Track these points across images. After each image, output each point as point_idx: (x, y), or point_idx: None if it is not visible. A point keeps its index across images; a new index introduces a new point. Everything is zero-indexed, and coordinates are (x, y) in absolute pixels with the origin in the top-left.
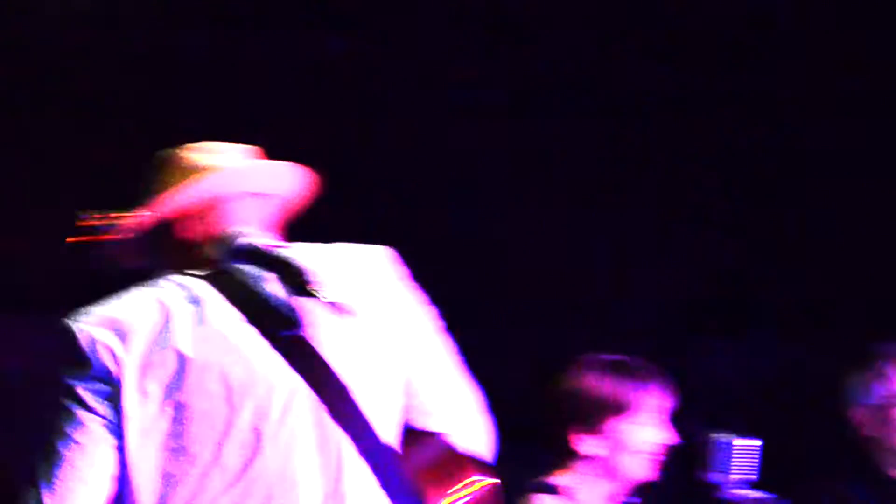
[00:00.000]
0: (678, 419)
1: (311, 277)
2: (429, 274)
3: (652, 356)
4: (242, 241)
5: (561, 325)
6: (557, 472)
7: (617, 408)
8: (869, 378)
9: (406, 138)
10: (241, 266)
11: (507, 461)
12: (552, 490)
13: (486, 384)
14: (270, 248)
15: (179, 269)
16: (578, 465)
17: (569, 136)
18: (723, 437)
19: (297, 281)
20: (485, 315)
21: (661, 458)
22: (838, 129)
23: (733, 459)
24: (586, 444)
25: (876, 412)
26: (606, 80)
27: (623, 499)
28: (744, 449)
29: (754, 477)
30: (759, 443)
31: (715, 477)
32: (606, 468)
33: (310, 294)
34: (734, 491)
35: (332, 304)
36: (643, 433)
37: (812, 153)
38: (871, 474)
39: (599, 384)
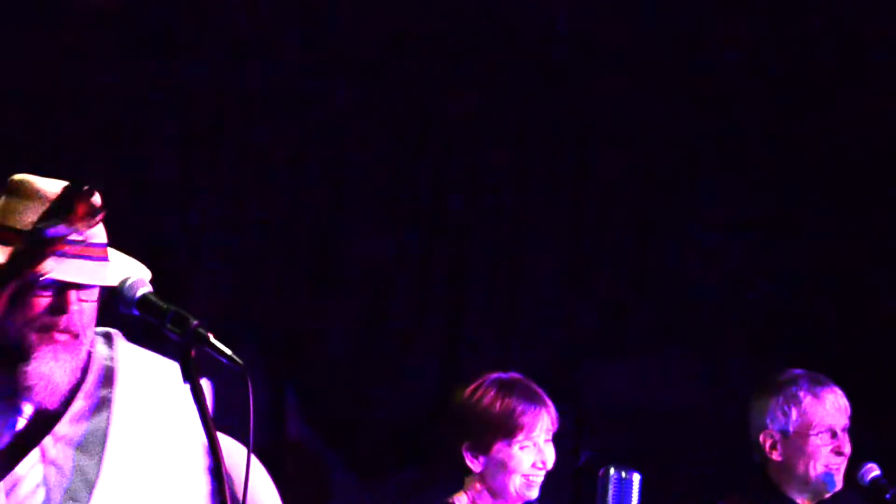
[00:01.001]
0: (570, 445)
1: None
2: None
3: (544, 379)
4: (141, 291)
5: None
6: (457, 493)
7: (505, 430)
8: (782, 403)
9: None
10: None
11: None
12: None
13: None
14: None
15: None
16: (471, 484)
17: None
18: (605, 469)
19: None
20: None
21: (544, 479)
22: None
23: (613, 492)
24: (476, 463)
25: (790, 439)
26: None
27: None
28: (622, 482)
29: None
30: (638, 476)
31: None
32: (495, 487)
33: (204, 341)
34: None
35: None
36: (529, 455)
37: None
38: (776, 499)
39: (491, 405)
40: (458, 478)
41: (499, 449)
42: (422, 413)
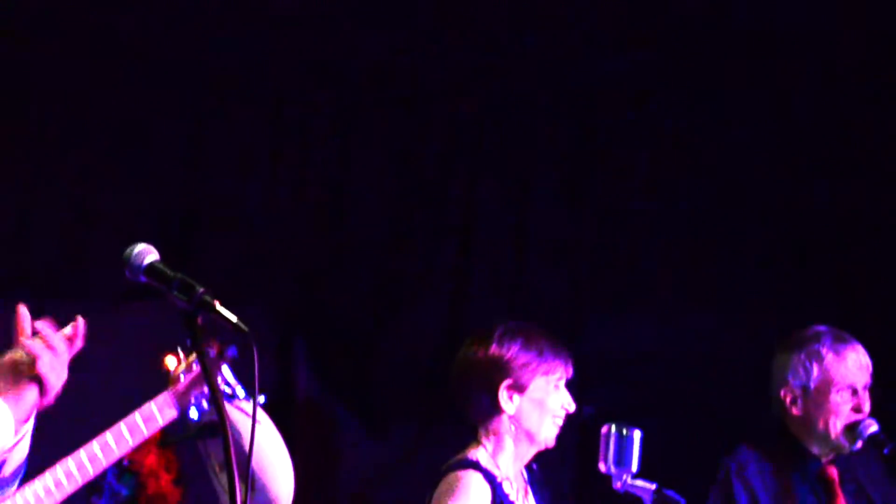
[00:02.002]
0: (574, 397)
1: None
2: None
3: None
4: (149, 259)
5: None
6: (472, 448)
7: (544, 368)
8: (804, 359)
9: None
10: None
11: None
12: (473, 465)
13: None
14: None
15: None
16: (496, 430)
17: None
18: (607, 427)
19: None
20: None
21: (563, 423)
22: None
23: (613, 449)
24: (511, 404)
25: (810, 395)
26: None
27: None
28: (623, 439)
29: (634, 467)
30: (639, 433)
31: (602, 466)
32: (527, 427)
33: (210, 308)
34: (619, 481)
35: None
36: (559, 396)
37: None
38: (794, 451)
39: (525, 347)
40: (464, 430)
41: (537, 387)
42: (428, 366)
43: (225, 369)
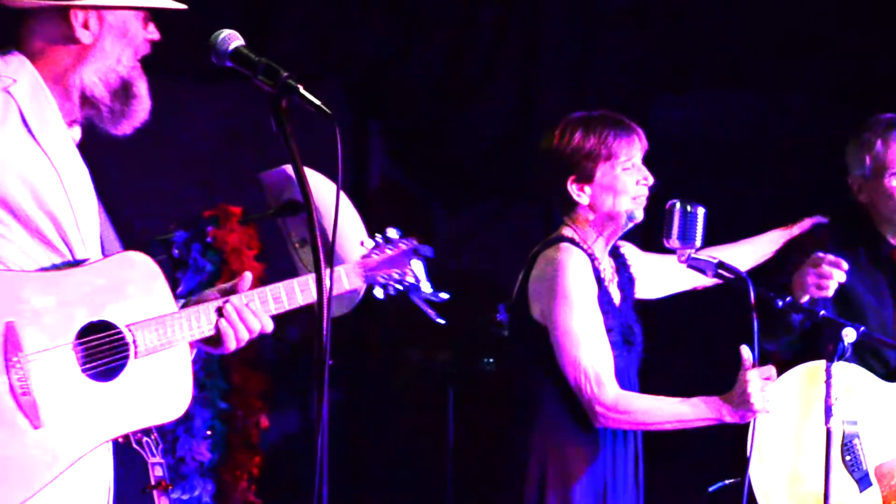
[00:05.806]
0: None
1: (290, 75)
2: None
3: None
4: (234, 44)
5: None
6: (562, 229)
7: (606, 156)
8: (859, 149)
9: None
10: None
11: None
12: (568, 240)
13: None
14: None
15: None
16: (577, 220)
17: None
18: (671, 203)
19: (286, 82)
20: None
21: (647, 198)
22: None
23: (678, 225)
24: (583, 194)
25: (869, 182)
26: None
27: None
28: (688, 216)
29: (698, 243)
30: (703, 210)
31: (666, 242)
32: (605, 212)
33: (294, 91)
34: (683, 256)
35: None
36: (632, 175)
37: None
38: (865, 233)
39: (584, 137)
40: (533, 208)
41: (604, 174)
42: (500, 144)
43: (417, 264)
